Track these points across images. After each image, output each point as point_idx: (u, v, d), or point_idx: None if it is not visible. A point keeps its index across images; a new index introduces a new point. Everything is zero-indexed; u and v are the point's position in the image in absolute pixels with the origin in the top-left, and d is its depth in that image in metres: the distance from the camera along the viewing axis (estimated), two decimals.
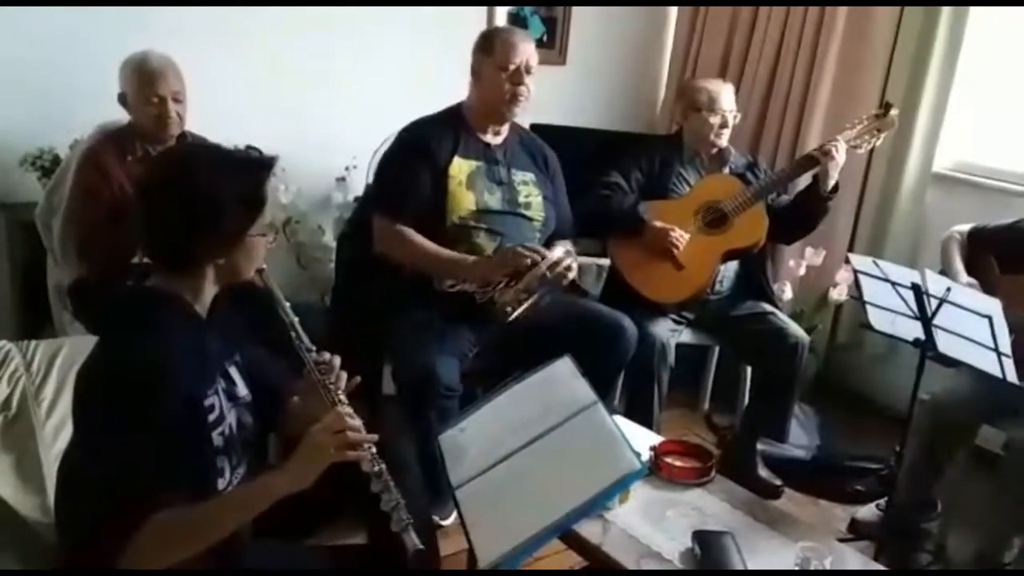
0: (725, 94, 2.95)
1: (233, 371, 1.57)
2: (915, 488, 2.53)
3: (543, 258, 2.42)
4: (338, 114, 3.23)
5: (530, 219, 2.65)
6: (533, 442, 1.68)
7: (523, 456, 1.67)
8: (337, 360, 1.61)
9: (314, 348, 1.61)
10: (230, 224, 1.43)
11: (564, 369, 1.80)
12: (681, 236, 2.82)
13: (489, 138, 2.64)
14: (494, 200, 2.58)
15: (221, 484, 1.49)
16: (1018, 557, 2.35)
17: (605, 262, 3.13)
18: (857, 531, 2.67)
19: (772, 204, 2.97)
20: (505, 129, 2.66)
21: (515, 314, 2.42)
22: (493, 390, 1.92)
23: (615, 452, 1.51)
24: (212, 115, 2.66)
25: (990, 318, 1.95)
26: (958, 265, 2.64)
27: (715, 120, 2.92)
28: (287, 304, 1.62)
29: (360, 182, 3.12)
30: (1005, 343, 1.96)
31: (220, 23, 2.99)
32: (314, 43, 3.18)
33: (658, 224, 2.83)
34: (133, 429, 1.32)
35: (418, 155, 2.55)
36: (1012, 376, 2.00)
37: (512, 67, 2.51)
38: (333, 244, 3.12)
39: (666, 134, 3.34)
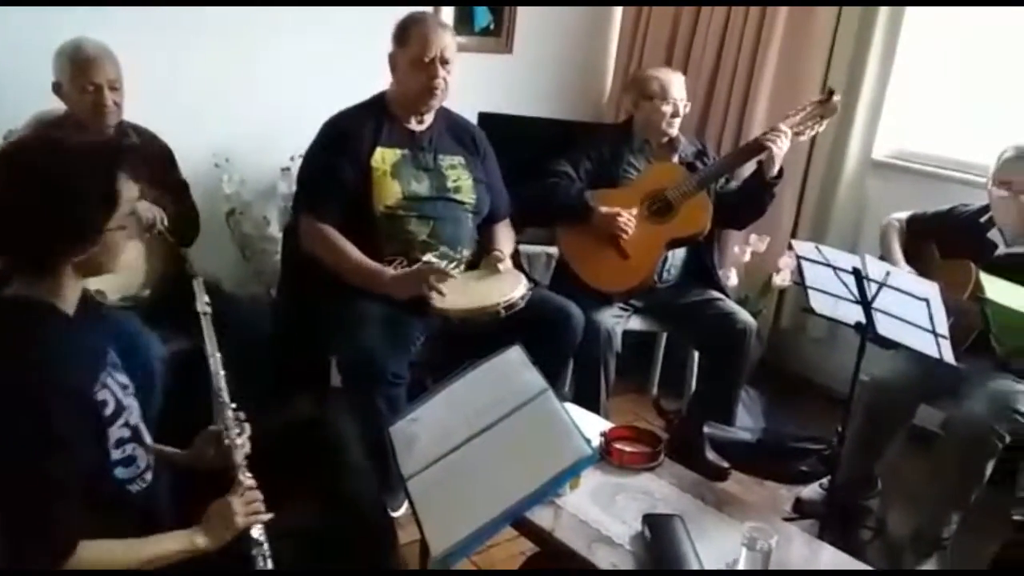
0: (676, 83, 2.97)
1: (116, 360, 1.56)
2: (856, 467, 2.60)
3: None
4: (283, 102, 3.17)
5: (461, 203, 2.65)
6: (484, 431, 1.68)
7: (474, 445, 1.67)
8: (248, 427, 1.63)
9: (233, 404, 1.63)
10: (85, 221, 1.39)
11: (515, 358, 1.80)
12: (629, 220, 2.84)
13: (413, 125, 2.63)
14: (422, 187, 2.58)
15: (134, 472, 1.51)
16: (956, 533, 2.42)
17: (554, 251, 3.15)
18: (801, 510, 2.73)
19: (720, 191, 3.01)
20: (430, 116, 2.65)
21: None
22: (443, 380, 1.91)
23: (566, 439, 1.52)
24: (153, 105, 2.61)
25: (927, 301, 2.00)
26: (897, 252, 2.71)
27: (667, 109, 2.94)
28: (218, 355, 1.62)
29: None
30: (942, 325, 2.02)
31: (162, 13, 2.91)
32: (258, 32, 3.11)
33: (604, 209, 2.85)
34: (29, 445, 1.31)
35: (339, 148, 2.54)
36: (949, 357, 2.06)
37: (427, 59, 2.50)
38: (279, 235, 3.07)
39: (616, 123, 3.36)
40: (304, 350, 2.66)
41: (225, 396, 1.63)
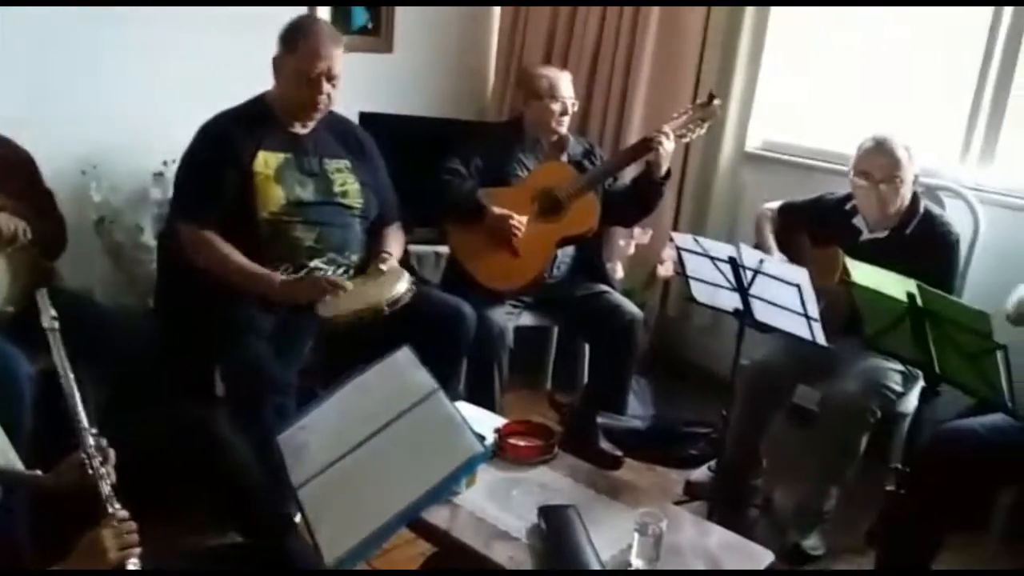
0: (564, 82, 3.01)
1: None
2: (741, 448, 2.69)
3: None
4: (154, 106, 3.04)
5: (348, 207, 2.60)
6: (375, 434, 1.66)
7: (366, 449, 1.65)
8: (112, 453, 1.55)
9: (94, 429, 1.55)
10: None
11: (404, 359, 1.78)
12: (520, 222, 2.87)
13: (297, 129, 2.56)
14: (307, 192, 2.52)
15: None
16: (836, 505, 2.55)
17: (444, 250, 3.14)
18: (692, 493, 2.81)
19: (609, 190, 3.06)
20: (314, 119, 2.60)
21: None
22: (333, 385, 1.88)
23: (458, 438, 1.51)
24: (10, 109, 2.47)
25: (799, 286, 2.09)
26: (770, 240, 2.82)
27: (556, 107, 2.98)
28: (72, 376, 1.53)
29: None
30: (813, 309, 2.12)
31: (19, 12, 2.75)
32: (126, 31, 2.98)
33: (497, 211, 2.87)
34: None
35: (219, 152, 2.46)
36: (821, 339, 2.16)
37: (312, 75, 2.44)
38: (154, 243, 2.95)
39: (507, 120, 3.37)
40: (186, 361, 2.56)
41: (84, 420, 1.53)
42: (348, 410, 1.77)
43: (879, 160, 2.57)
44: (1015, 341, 1.84)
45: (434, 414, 1.60)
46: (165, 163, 3.02)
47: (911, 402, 2.58)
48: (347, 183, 2.61)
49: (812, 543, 2.53)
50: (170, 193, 3.00)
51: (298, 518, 2.30)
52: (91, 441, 1.52)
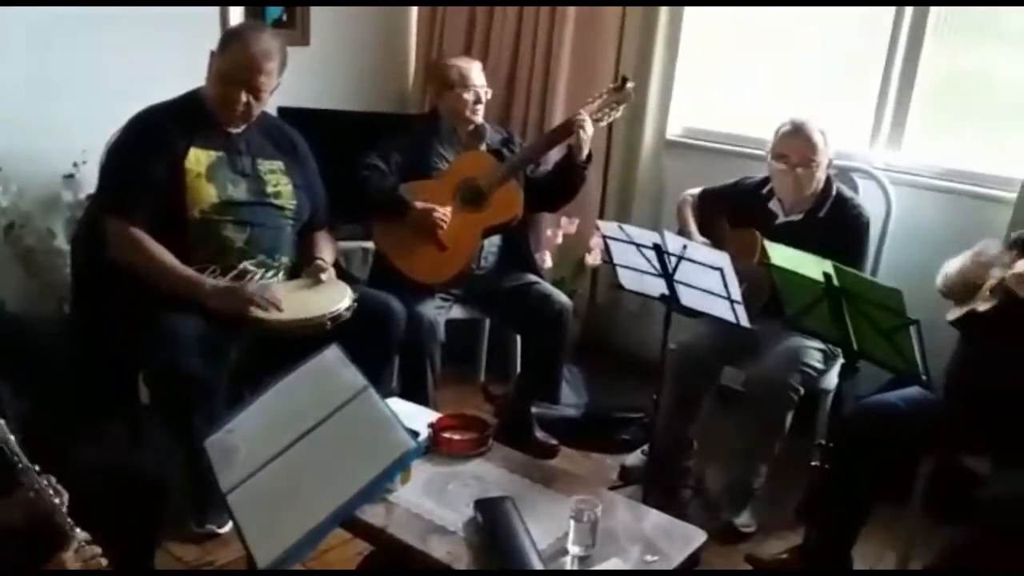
0: (475, 70, 3.01)
1: None
2: (672, 431, 2.74)
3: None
4: (59, 106, 2.92)
5: (280, 208, 2.56)
6: (305, 435, 1.63)
7: (296, 451, 1.62)
8: (65, 495, 1.52)
9: (37, 467, 1.51)
10: None
11: (332, 358, 1.76)
12: (445, 214, 2.85)
13: (230, 128, 2.50)
14: (239, 192, 2.47)
15: None
16: (765, 482, 2.61)
17: (370, 246, 3.11)
18: (627, 477, 2.86)
19: (531, 176, 3.07)
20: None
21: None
22: (261, 387, 1.84)
23: (389, 434, 1.50)
24: None
25: (721, 270, 2.14)
26: (692, 225, 2.88)
27: (469, 96, 2.97)
28: (2, 421, 1.48)
29: (92, 179, 2.84)
30: (736, 292, 2.17)
31: None
32: (27, 33, 2.85)
33: (420, 205, 2.85)
34: None
35: (150, 145, 2.38)
36: (744, 321, 2.22)
37: (232, 80, 2.39)
38: (67, 247, 2.84)
39: (423, 113, 3.35)
40: (107, 368, 2.48)
41: (23, 459, 1.48)
42: (277, 412, 1.73)
43: (796, 143, 2.64)
44: (927, 316, 1.91)
45: (364, 412, 1.58)
46: (76, 164, 2.92)
47: (832, 379, 2.66)
48: (280, 184, 2.56)
49: (744, 520, 2.60)
50: (82, 195, 2.91)
51: (224, 529, 2.29)
52: (36, 477, 1.48)
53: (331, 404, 1.63)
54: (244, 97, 2.41)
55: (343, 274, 2.79)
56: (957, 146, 3.01)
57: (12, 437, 1.48)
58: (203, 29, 2.74)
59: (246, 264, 2.46)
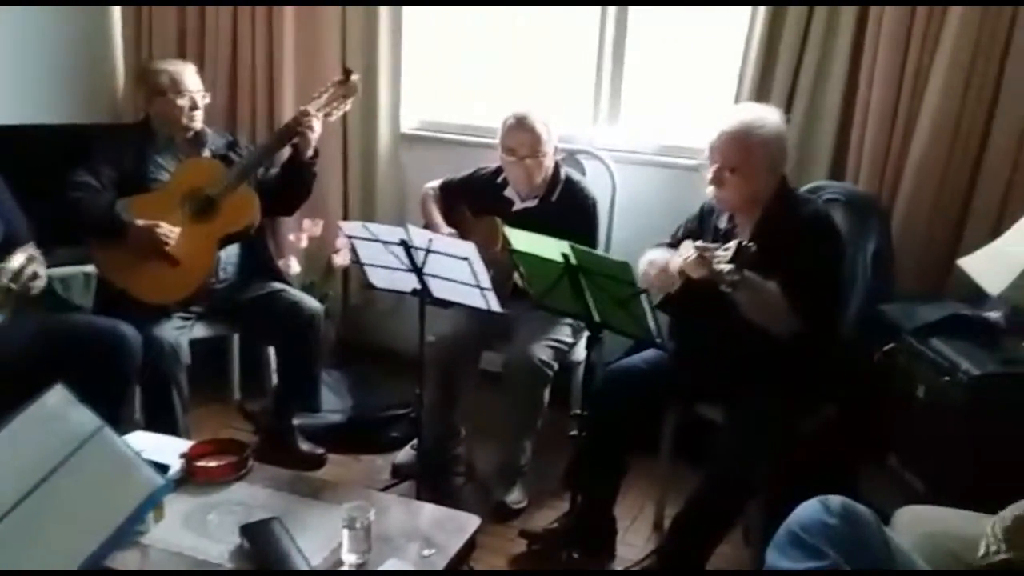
0: (188, 74, 2.83)
1: None
2: (439, 421, 2.78)
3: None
4: None
5: None
6: (37, 488, 1.46)
7: (28, 506, 1.45)
8: None
9: None
10: None
11: (57, 399, 1.57)
12: (169, 231, 2.66)
13: None
14: None
15: None
16: (531, 458, 2.72)
17: (91, 269, 2.84)
18: (399, 474, 2.85)
19: (262, 179, 2.94)
20: None
21: None
22: None
23: (132, 474, 1.38)
24: None
25: (468, 259, 2.18)
26: (437, 217, 2.91)
27: (183, 102, 2.79)
28: None
29: None
30: (485, 279, 2.22)
31: None
32: None
33: (140, 223, 2.64)
34: None
35: None
36: (496, 306, 2.27)
37: None
38: None
39: (134, 122, 3.10)
40: None
41: None
42: (1, 466, 1.54)
43: (521, 137, 2.75)
44: None
45: (101, 454, 1.44)
46: None
47: (581, 351, 2.81)
48: None
49: (514, 497, 2.69)
50: None
51: None
52: None
53: (63, 451, 1.47)
54: None
55: (62, 303, 2.53)
56: (667, 123, 3.28)
57: None
58: None
59: None
